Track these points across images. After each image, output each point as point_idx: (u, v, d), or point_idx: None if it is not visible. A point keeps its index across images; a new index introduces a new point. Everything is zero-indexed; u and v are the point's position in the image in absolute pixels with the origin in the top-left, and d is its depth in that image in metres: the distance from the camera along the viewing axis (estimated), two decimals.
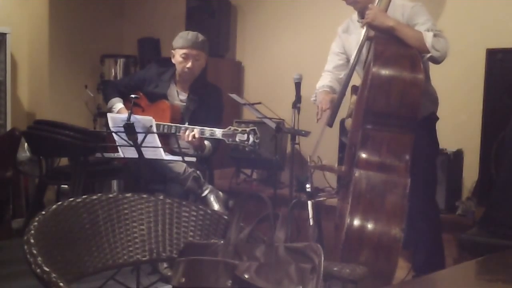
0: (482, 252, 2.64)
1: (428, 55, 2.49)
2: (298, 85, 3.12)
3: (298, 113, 3.11)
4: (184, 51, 3.26)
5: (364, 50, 2.59)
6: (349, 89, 2.75)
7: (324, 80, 2.90)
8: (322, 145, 2.87)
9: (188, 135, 2.96)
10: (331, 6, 4.21)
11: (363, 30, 2.57)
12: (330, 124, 2.69)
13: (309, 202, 2.74)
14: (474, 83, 3.50)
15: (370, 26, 2.51)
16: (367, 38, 2.54)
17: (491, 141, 3.28)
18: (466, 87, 3.59)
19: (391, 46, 2.42)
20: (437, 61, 2.54)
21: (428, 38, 2.47)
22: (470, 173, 3.51)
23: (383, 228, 2.16)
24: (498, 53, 3.40)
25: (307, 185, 2.78)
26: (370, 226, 2.17)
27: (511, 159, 3.05)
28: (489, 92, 3.43)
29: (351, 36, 2.82)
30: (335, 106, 2.66)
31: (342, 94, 2.65)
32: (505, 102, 3.31)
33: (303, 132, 3.06)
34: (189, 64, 3.26)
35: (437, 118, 2.81)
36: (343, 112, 2.85)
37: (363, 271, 1.59)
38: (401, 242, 2.16)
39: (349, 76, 2.64)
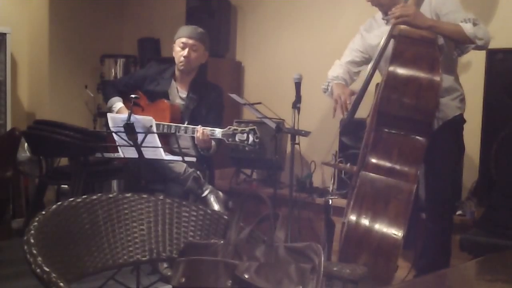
0: (482, 252, 2.64)
1: (473, 45, 2.45)
2: (298, 85, 3.11)
3: (298, 113, 3.11)
4: (182, 40, 3.29)
5: (390, 47, 2.51)
6: (373, 87, 2.70)
7: (338, 70, 2.86)
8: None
9: (203, 132, 2.96)
10: (331, 6, 4.21)
11: (388, 27, 2.50)
12: (347, 121, 2.65)
13: (329, 199, 2.73)
14: (474, 83, 3.50)
15: (409, 24, 2.40)
16: (392, 35, 2.47)
17: (491, 141, 3.27)
18: (466, 87, 3.58)
19: (413, 47, 2.34)
20: (482, 48, 2.51)
21: (469, 29, 2.41)
22: (470, 173, 3.50)
23: (384, 233, 2.13)
24: (498, 53, 3.39)
25: (331, 181, 2.75)
26: (371, 229, 2.14)
27: (511, 159, 3.05)
28: (489, 92, 3.42)
29: (372, 33, 2.78)
30: (356, 103, 2.60)
31: (363, 91, 2.57)
32: (505, 102, 3.30)
33: (303, 132, 3.06)
34: (185, 53, 3.27)
35: (464, 121, 2.73)
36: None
37: (363, 271, 1.59)
38: (400, 248, 2.12)
39: (371, 73, 2.57)
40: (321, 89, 2.92)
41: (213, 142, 3.15)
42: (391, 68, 2.24)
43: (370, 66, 2.63)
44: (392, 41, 2.48)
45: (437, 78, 2.23)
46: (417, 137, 2.26)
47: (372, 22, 2.83)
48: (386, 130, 2.28)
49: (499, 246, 2.66)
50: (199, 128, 2.99)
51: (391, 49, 2.48)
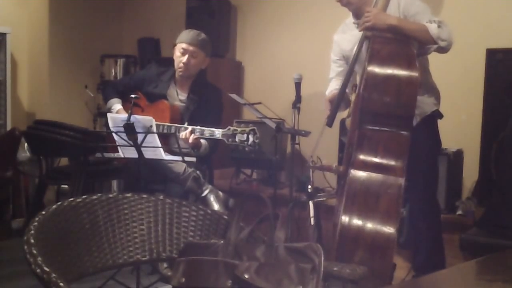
0: (482, 252, 2.64)
1: (436, 46, 2.50)
2: (298, 85, 3.12)
3: (298, 113, 3.11)
4: (183, 45, 3.27)
5: (364, 49, 2.58)
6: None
7: (331, 85, 2.92)
8: (322, 145, 2.87)
9: (185, 133, 2.96)
10: (331, 6, 4.20)
11: (357, 30, 2.57)
12: (329, 124, 2.68)
13: (310, 202, 2.74)
14: (474, 83, 3.50)
15: (372, 29, 2.48)
16: (365, 37, 2.53)
17: (491, 141, 3.28)
18: (466, 87, 3.59)
19: (388, 45, 2.41)
20: (444, 50, 2.55)
21: (433, 29, 2.47)
22: (470, 173, 3.51)
23: (377, 228, 2.15)
24: (498, 53, 3.40)
25: (309, 186, 2.77)
26: (364, 226, 2.16)
27: (511, 159, 3.06)
28: (489, 92, 3.43)
29: (346, 37, 2.81)
30: (334, 106, 2.65)
31: (341, 93, 2.64)
32: (505, 102, 3.31)
33: (303, 132, 3.06)
34: (184, 59, 3.26)
35: (441, 116, 2.78)
36: (344, 112, 2.85)
37: (363, 271, 1.59)
38: (395, 242, 2.14)
39: (348, 76, 2.63)
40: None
41: (204, 142, 3.14)
42: (370, 68, 2.30)
43: (347, 69, 2.67)
44: (366, 43, 2.52)
45: (415, 74, 2.29)
46: (400, 131, 2.31)
47: (344, 28, 2.88)
48: (370, 127, 2.32)
49: (499, 246, 2.66)
50: (183, 133, 2.98)
51: (365, 51, 2.53)
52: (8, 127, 4.51)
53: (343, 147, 3.69)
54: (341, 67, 2.88)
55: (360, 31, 2.57)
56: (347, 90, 2.66)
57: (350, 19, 2.81)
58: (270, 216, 1.50)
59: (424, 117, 2.67)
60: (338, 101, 2.65)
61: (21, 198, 4.52)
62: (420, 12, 2.58)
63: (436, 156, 2.88)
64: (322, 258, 1.41)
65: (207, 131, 2.97)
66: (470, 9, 3.62)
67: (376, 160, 2.28)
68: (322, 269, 1.39)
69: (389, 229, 2.14)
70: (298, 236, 3.45)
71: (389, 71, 2.31)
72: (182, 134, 2.97)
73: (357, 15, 2.72)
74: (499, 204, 2.98)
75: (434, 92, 2.75)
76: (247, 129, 2.82)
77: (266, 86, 4.56)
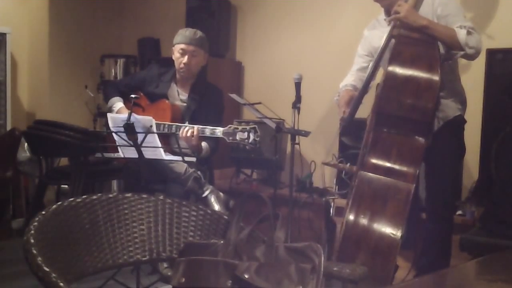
0: (482, 252, 2.64)
1: (462, 52, 2.44)
2: (298, 85, 3.11)
3: (298, 113, 3.10)
4: (181, 46, 3.27)
5: (390, 47, 2.52)
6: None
7: (348, 79, 2.88)
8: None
9: (187, 131, 2.96)
10: (331, 6, 4.21)
11: (389, 28, 2.51)
12: (347, 121, 2.65)
13: (330, 200, 2.72)
14: (474, 83, 3.50)
15: (402, 23, 2.42)
16: (391, 35, 2.47)
17: (491, 141, 3.27)
18: (466, 87, 3.58)
19: (412, 47, 2.35)
20: (471, 57, 2.49)
21: (462, 35, 2.41)
22: (470, 173, 3.51)
23: (382, 233, 2.12)
24: (498, 53, 3.39)
25: (334, 182, 2.76)
26: (368, 229, 2.13)
27: (511, 159, 3.05)
28: (489, 92, 3.43)
29: (377, 33, 2.77)
30: (355, 103, 2.61)
31: (363, 91, 2.58)
32: (505, 102, 3.31)
33: (303, 132, 3.06)
34: (185, 59, 3.26)
35: (465, 122, 2.73)
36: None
37: (363, 271, 1.59)
38: (398, 248, 2.12)
39: (371, 73, 2.56)
40: (334, 101, 2.93)
41: (204, 145, 3.14)
42: (390, 68, 2.25)
43: (370, 66, 2.63)
44: (392, 42, 2.48)
45: (435, 78, 2.23)
46: (416, 137, 2.26)
47: (375, 24, 2.83)
48: (385, 130, 2.28)
49: (499, 246, 2.66)
50: (184, 130, 2.97)
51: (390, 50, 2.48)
52: (8, 127, 4.51)
53: (344, 147, 3.70)
54: (366, 63, 2.83)
55: (388, 24, 2.50)
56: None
57: (382, 15, 2.77)
58: (270, 216, 1.50)
59: (447, 121, 2.63)
60: (359, 99, 2.59)
61: (21, 198, 4.52)
62: (452, 14, 2.51)
63: (457, 161, 2.82)
64: (322, 258, 1.40)
65: (208, 129, 2.97)
66: (470, 10, 3.62)
67: (388, 164, 2.24)
68: (322, 269, 1.39)
69: (393, 235, 2.11)
70: (298, 236, 3.46)
71: (409, 73, 2.25)
72: (185, 132, 2.97)
73: (389, 11, 2.64)
74: (499, 204, 2.98)
75: (460, 97, 2.70)
76: (248, 127, 2.82)
77: (266, 86, 4.56)
